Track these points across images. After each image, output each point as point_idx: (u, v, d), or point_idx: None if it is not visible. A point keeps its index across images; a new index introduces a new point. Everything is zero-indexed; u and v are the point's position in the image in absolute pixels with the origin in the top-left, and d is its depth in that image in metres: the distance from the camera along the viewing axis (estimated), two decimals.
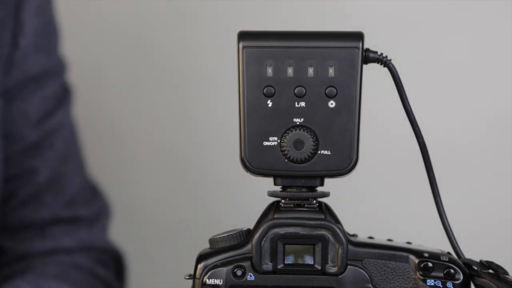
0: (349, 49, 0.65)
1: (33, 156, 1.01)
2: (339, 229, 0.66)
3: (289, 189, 0.67)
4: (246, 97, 0.66)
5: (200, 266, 0.66)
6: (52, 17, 1.04)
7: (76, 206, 1.04)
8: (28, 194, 1.02)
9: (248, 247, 0.66)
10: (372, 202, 1.23)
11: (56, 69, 1.04)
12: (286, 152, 0.66)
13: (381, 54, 0.67)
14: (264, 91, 0.66)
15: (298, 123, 0.66)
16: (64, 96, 1.05)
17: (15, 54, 0.99)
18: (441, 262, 0.66)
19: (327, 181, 0.67)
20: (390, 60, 0.68)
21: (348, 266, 0.66)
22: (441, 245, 0.70)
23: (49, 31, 1.03)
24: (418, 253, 0.67)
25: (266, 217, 0.67)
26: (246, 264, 0.66)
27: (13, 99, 1.00)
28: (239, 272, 0.66)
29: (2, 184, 0.99)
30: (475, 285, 0.66)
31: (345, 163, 0.66)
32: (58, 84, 1.04)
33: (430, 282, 0.66)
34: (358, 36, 0.66)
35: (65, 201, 1.03)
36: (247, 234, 0.67)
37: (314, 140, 0.66)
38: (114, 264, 1.07)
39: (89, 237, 1.04)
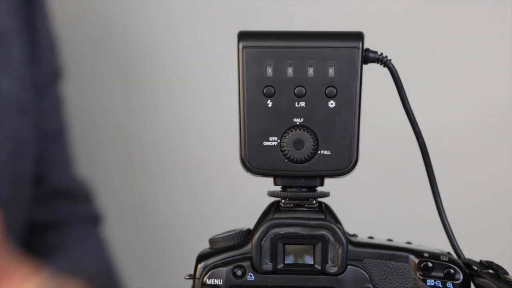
0: (349, 49, 0.65)
1: (54, 141, 1.15)
2: (339, 229, 0.66)
3: (289, 189, 0.67)
4: (246, 97, 0.66)
5: (200, 266, 0.66)
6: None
7: (77, 179, 1.18)
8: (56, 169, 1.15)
9: (248, 247, 0.66)
10: (372, 202, 1.23)
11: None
12: (286, 152, 0.66)
13: (381, 54, 0.67)
14: (264, 91, 0.66)
15: (298, 123, 0.66)
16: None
17: None
18: (441, 262, 0.66)
19: (327, 181, 0.67)
20: (390, 60, 0.67)
21: (348, 266, 0.66)
22: (441, 245, 0.70)
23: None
24: (418, 253, 0.67)
25: (266, 217, 0.67)
26: (246, 264, 0.66)
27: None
28: (239, 272, 0.66)
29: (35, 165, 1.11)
30: (475, 285, 0.66)
31: (345, 163, 0.66)
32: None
33: (430, 282, 0.66)
34: (358, 36, 0.66)
35: (72, 175, 1.18)
36: (247, 234, 0.67)
37: (314, 140, 0.66)
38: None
39: (89, 207, 1.18)
